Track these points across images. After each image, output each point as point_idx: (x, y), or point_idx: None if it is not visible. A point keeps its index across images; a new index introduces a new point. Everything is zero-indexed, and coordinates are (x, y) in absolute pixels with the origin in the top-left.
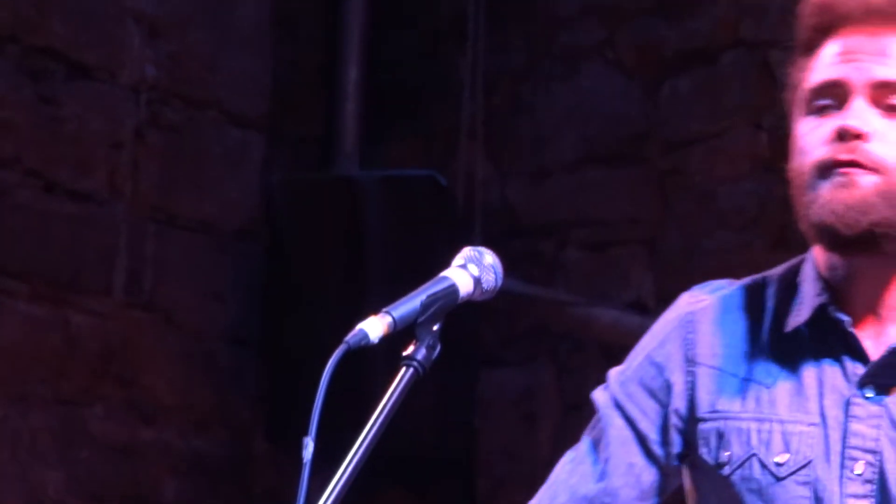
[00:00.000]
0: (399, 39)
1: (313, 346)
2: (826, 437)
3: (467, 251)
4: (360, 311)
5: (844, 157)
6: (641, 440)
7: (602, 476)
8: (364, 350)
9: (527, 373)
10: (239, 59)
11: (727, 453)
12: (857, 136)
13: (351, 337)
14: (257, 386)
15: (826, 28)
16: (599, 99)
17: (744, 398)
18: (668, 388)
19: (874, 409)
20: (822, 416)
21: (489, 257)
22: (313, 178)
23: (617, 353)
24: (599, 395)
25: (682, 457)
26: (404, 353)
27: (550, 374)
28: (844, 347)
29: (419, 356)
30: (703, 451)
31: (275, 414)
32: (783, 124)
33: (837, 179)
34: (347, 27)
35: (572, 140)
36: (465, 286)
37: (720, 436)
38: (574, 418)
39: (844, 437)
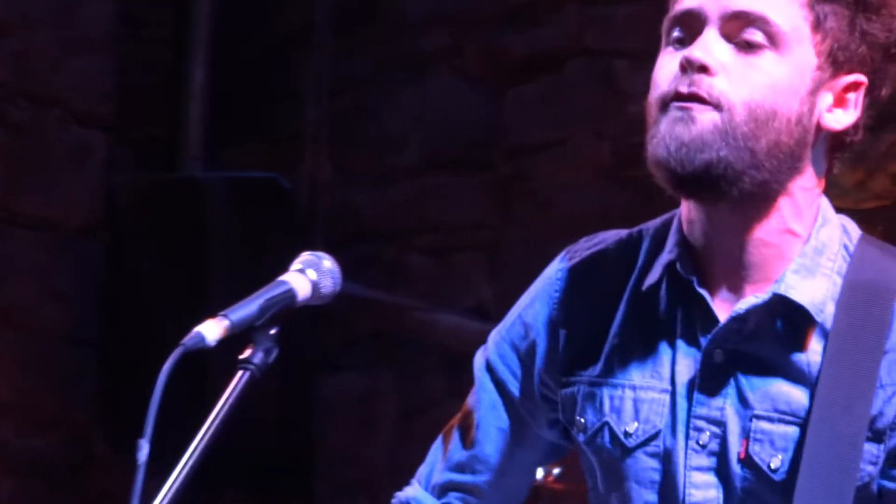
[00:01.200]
0: (246, 43)
1: (154, 348)
2: (674, 405)
3: (306, 256)
4: (201, 312)
5: (684, 89)
6: (510, 404)
7: (474, 442)
8: (202, 352)
9: (367, 377)
10: (85, 58)
11: (582, 420)
12: (702, 69)
13: (188, 340)
14: (97, 387)
15: None
16: (444, 105)
17: (600, 362)
18: (533, 349)
19: (720, 382)
20: (673, 382)
21: (327, 262)
22: (157, 178)
23: (458, 359)
24: (477, 358)
25: (556, 423)
26: (241, 357)
27: (390, 378)
28: (698, 309)
29: (256, 360)
30: (564, 418)
31: (114, 415)
32: (626, 133)
33: (675, 114)
34: (194, 29)
35: (416, 146)
36: (302, 290)
37: (574, 402)
38: (414, 423)
39: (690, 406)
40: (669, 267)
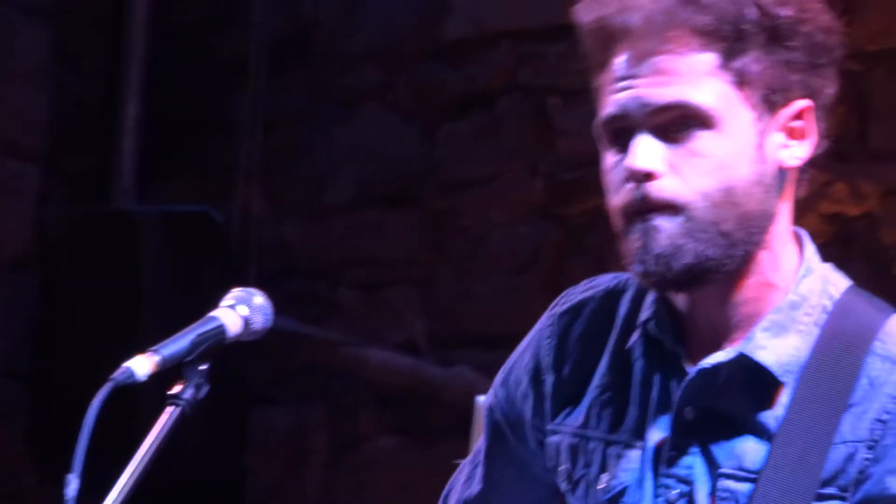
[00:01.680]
0: (180, 76)
1: (85, 381)
2: (645, 461)
3: (237, 292)
4: (134, 346)
5: (638, 202)
6: (509, 448)
7: (481, 481)
8: (132, 388)
9: (297, 412)
10: (17, 90)
11: (563, 470)
12: (647, 177)
13: (118, 374)
14: (28, 419)
15: (607, 45)
16: (378, 141)
17: (581, 412)
18: (526, 394)
19: (690, 440)
20: (646, 438)
21: (259, 298)
22: (89, 211)
23: (388, 394)
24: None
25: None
26: (171, 392)
27: (321, 413)
28: (672, 367)
29: (186, 395)
30: (550, 466)
31: (45, 448)
32: (559, 170)
33: (639, 227)
34: (129, 62)
35: (350, 181)
36: (233, 326)
37: (558, 451)
38: (344, 458)
39: (657, 464)
40: (646, 324)
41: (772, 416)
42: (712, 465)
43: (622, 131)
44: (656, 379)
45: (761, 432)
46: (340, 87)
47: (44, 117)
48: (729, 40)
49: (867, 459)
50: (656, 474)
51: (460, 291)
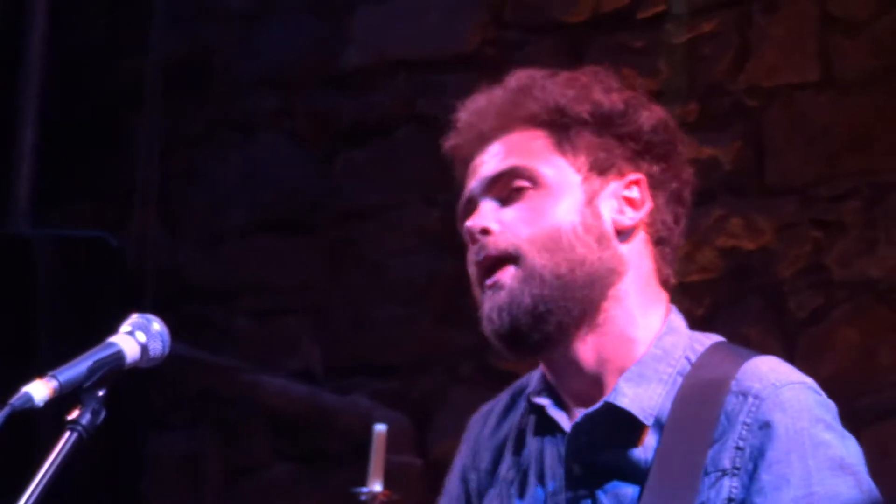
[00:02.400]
0: (77, 101)
1: None
2: None
3: (135, 318)
4: (28, 371)
5: (477, 258)
6: None
7: None
8: (29, 413)
9: (193, 437)
10: None
11: None
12: (483, 232)
13: (15, 399)
14: None
15: (467, 158)
16: (273, 167)
17: (496, 495)
18: (459, 498)
19: (581, 492)
20: (554, 502)
21: (157, 325)
22: None
23: (284, 421)
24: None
25: None
26: (69, 418)
27: (216, 439)
28: (557, 430)
29: (84, 421)
30: None
31: None
32: (456, 200)
33: (488, 293)
34: (23, 86)
35: (245, 207)
36: (131, 353)
37: None
38: (239, 484)
39: None
40: (530, 396)
41: (642, 458)
42: None
43: (471, 211)
44: (547, 446)
45: (635, 474)
46: (237, 112)
47: None
48: (556, 123)
49: (733, 487)
50: None
51: (356, 319)
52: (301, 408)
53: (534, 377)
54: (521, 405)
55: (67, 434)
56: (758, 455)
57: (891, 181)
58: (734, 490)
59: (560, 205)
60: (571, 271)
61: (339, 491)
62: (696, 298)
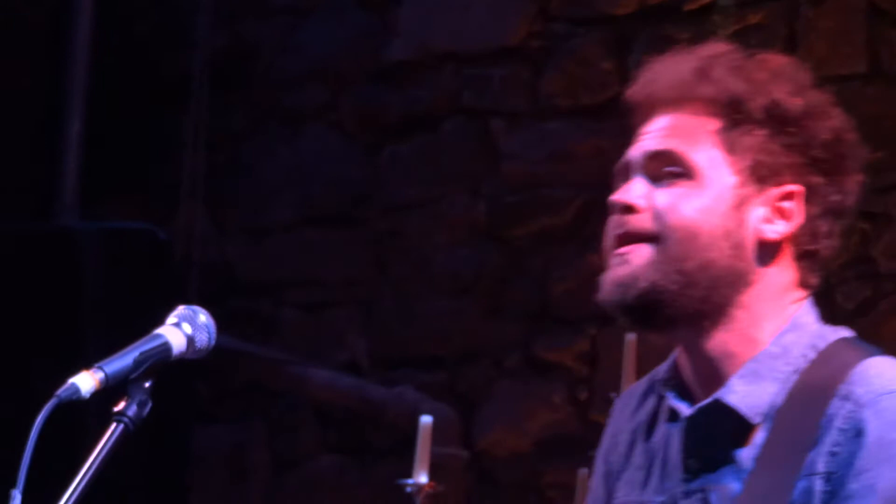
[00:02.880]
0: (124, 94)
1: (27, 400)
2: None
3: (181, 309)
4: (76, 364)
5: (616, 231)
6: None
7: None
8: (76, 405)
9: (239, 430)
10: None
11: None
12: (626, 209)
13: (62, 391)
14: None
15: (638, 115)
16: (320, 161)
17: (627, 482)
18: (607, 475)
19: (695, 486)
20: (672, 494)
21: (203, 316)
22: (31, 228)
23: (330, 413)
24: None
25: None
26: (115, 409)
27: (262, 431)
28: (678, 416)
29: (130, 412)
30: None
31: None
32: (502, 193)
33: (614, 261)
34: (70, 80)
35: (292, 200)
36: (178, 344)
37: None
38: (286, 477)
39: None
40: (660, 383)
41: (749, 457)
42: None
43: (624, 178)
44: (671, 436)
45: (740, 472)
46: (284, 106)
47: None
48: (730, 113)
49: (825, 492)
50: None
51: (402, 312)
52: (348, 400)
53: (667, 362)
54: (657, 389)
55: (114, 426)
56: (848, 462)
57: None
58: (825, 496)
59: (708, 204)
60: (697, 271)
61: (385, 483)
62: None
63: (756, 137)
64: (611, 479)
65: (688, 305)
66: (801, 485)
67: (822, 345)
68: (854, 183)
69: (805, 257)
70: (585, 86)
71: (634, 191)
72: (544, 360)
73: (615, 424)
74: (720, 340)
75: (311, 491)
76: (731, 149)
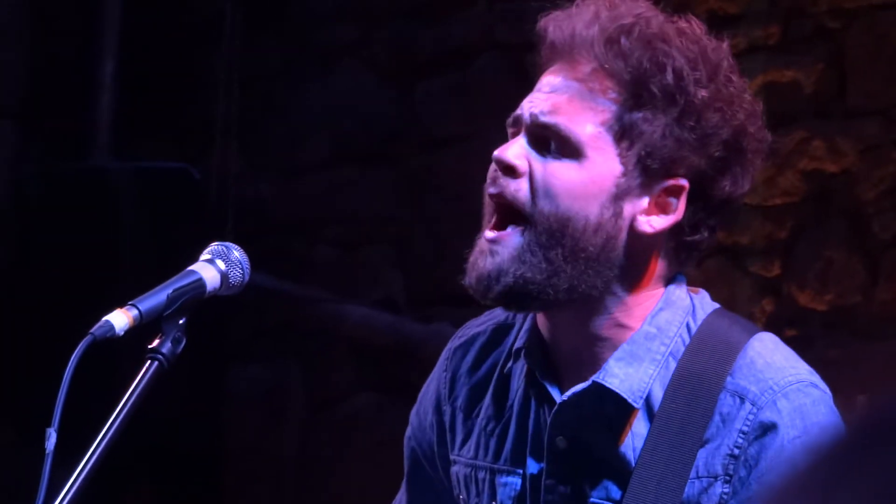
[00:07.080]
0: (156, 34)
1: (63, 337)
2: (525, 489)
3: (215, 246)
4: (111, 302)
5: (492, 188)
6: (427, 475)
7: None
8: (111, 342)
9: (274, 368)
10: None
11: (462, 499)
12: (508, 170)
13: (96, 329)
14: (2, 376)
15: (544, 55)
16: (353, 99)
17: (472, 443)
18: (431, 426)
19: (564, 476)
20: (527, 464)
21: (236, 253)
22: (67, 168)
23: (365, 351)
24: (407, 432)
25: None
26: (150, 346)
27: (298, 370)
28: (545, 394)
29: (164, 349)
30: (455, 495)
31: (21, 404)
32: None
33: (482, 247)
34: (104, 20)
35: (326, 139)
36: (211, 281)
37: (458, 481)
38: (321, 415)
39: (540, 493)
40: (519, 352)
41: (630, 445)
42: (582, 493)
43: (516, 131)
44: (532, 406)
45: (623, 462)
46: (316, 45)
47: (19, 75)
48: (631, 91)
49: (724, 493)
50: (537, 501)
51: (437, 249)
52: (384, 338)
53: (523, 324)
54: (506, 345)
55: (148, 363)
56: (752, 464)
57: None
58: (725, 496)
59: (585, 190)
60: (564, 260)
61: None
62: (779, 222)
63: (652, 126)
64: (442, 428)
65: (554, 294)
66: (695, 485)
67: (693, 323)
68: (751, 172)
69: (683, 248)
70: None
71: (516, 151)
72: None
73: (452, 373)
74: (594, 325)
75: (348, 430)
76: (623, 133)
